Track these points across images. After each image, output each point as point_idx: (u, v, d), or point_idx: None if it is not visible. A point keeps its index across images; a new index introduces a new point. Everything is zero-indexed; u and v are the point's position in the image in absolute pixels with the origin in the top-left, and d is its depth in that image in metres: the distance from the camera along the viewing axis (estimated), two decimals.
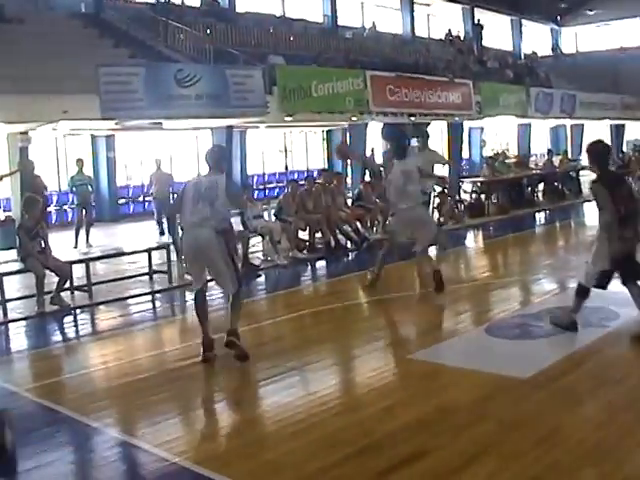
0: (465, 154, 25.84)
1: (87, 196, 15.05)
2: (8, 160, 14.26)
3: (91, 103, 13.16)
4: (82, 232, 14.45)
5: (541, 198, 20.11)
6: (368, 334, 7.48)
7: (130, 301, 9.50)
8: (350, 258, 12.55)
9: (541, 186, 20.32)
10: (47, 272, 8.91)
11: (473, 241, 15.14)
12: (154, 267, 10.53)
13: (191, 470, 4.36)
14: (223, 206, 6.42)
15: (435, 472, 4.18)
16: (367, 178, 16.60)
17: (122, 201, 20.55)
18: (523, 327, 7.13)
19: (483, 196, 17.75)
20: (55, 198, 18.66)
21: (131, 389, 5.93)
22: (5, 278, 8.88)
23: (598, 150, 6.67)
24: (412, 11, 30.72)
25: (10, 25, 16.01)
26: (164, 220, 15.15)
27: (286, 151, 24.79)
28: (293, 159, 25.16)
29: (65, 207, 18.83)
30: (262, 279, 10.98)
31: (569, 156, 24.29)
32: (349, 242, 12.99)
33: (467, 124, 23.83)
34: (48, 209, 15.91)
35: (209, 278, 6.83)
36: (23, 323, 8.58)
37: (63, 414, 5.40)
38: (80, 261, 9.98)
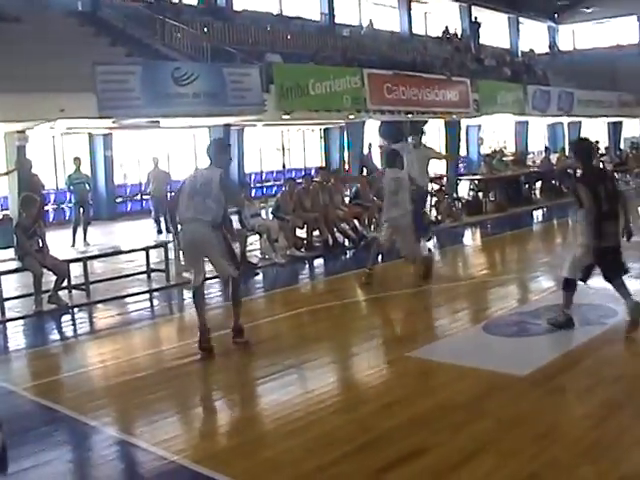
0: (463, 152, 25.84)
1: (84, 195, 15.02)
2: (5, 159, 14.21)
3: (88, 101, 13.15)
4: (80, 231, 14.42)
5: (538, 196, 20.14)
6: (366, 332, 7.49)
7: (128, 300, 9.50)
8: (348, 256, 12.55)
9: (538, 184, 20.36)
10: (45, 271, 8.89)
11: (471, 239, 15.14)
12: (152, 265, 10.53)
13: (189, 468, 4.36)
14: (218, 201, 6.49)
15: (434, 469, 4.19)
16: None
17: (119, 200, 20.53)
18: (521, 325, 7.14)
19: (481, 194, 17.77)
20: (52, 197, 18.61)
21: (129, 388, 5.92)
22: (3, 277, 8.86)
23: (583, 147, 6.92)
24: (409, 9, 30.70)
25: (6, 24, 15.96)
26: (161, 218, 15.17)
27: (283, 149, 24.78)
28: (291, 157, 25.14)
29: (62, 206, 18.79)
30: (260, 277, 10.98)
31: (566, 154, 24.27)
32: (347, 240, 13.00)
33: (465, 122, 23.83)
34: (45, 208, 15.86)
35: (208, 277, 6.88)
36: (21, 322, 8.57)
37: (61, 413, 5.40)
38: (78, 260, 9.96)
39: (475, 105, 22.09)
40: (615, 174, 23.35)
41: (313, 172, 17.45)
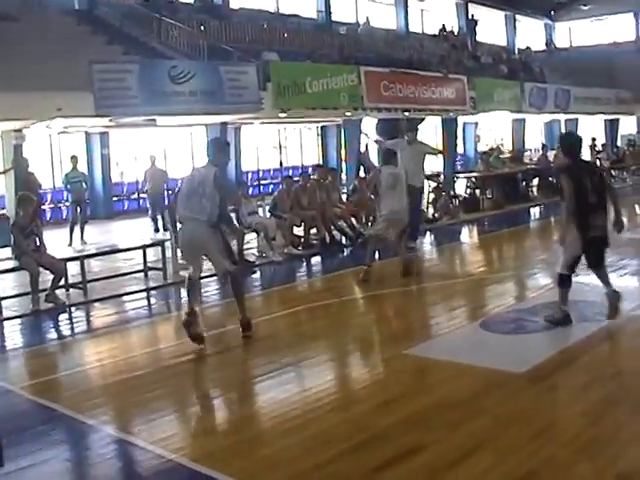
0: (460, 149, 25.84)
1: (81, 193, 15.02)
2: (2, 158, 14.16)
3: (85, 100, 13.11)
4: (77, 229, 14.41)
5: (536, 193, 20.13)
6: (363, 330, 7.50)
7: (125, 298, 9.49)
8: (345, 254, 12.55)
9: (535, 181, 20.35)
10: (42, 270, 8.89)
11: (468, 236, 15.14)
12: (149, 264, 10.53)
13: (187, 467, 4.36)
14: (212, 200, 6.53)
15: (431, 467, 4.19)
16: (362, 174, 16.60)
17: (116, 198, 20.51)
18: (518, 322, 7.15)
19: (478, 191, 17.77)
20: (49, 195, 18.60)
21: (126, 386, 5.92)
22: (0, 276, 8.85)
23: (570, 142, 7.05)
24: (406, 6, 30.69)
25: (3, 22, 15.92)
26: (158, 217, 15.17)
27: (280, 147, 24.76)
28: (288, 155, 25.12)
29: (59, 204, 18.78)
30: (257, 275, 10.98)
31: None
32: (344, 238, 13.00)
33: (461, 119, 23.81)
34: (42, 207, 15.85)
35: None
36: (18, 321, 8.56)
37: (58, 412, 5.39)
38: (75, 258, 9.96)
39: (472, 102, 22.07)
40: (612, 171, 23.58)
41: (310, 170, 17.43)
